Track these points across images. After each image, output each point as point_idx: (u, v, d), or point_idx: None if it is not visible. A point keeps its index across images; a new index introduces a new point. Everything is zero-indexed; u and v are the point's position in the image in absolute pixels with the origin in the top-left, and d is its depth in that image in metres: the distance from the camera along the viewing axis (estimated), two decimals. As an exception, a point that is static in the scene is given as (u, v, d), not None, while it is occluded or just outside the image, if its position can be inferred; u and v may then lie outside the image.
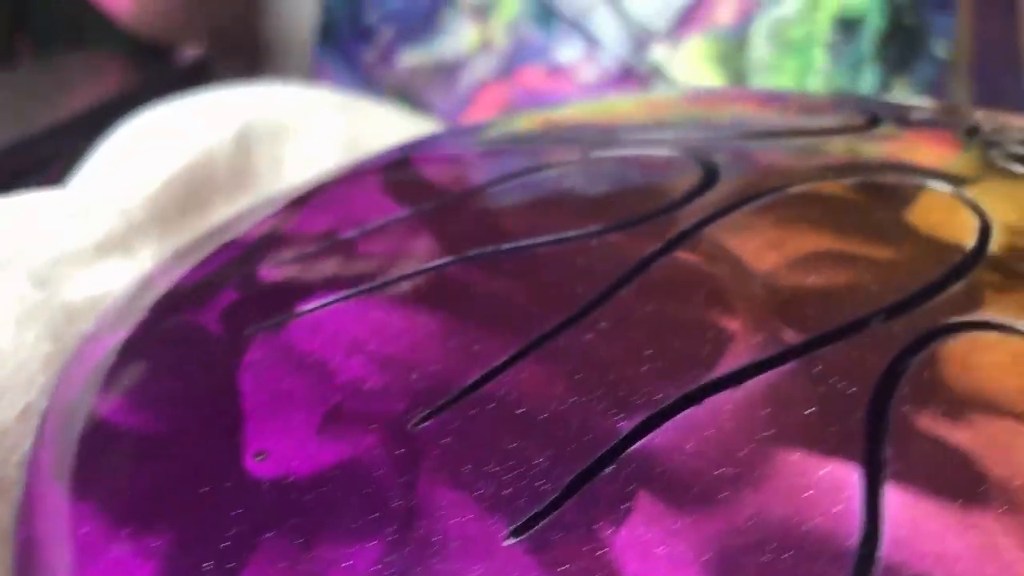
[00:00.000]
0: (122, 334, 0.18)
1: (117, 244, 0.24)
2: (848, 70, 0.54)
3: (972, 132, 0.19)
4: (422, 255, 0.16)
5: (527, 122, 0.22)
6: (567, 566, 0.11)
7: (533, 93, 0.53)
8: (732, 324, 0.13)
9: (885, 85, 0.55)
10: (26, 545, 0.14)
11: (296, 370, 0.15)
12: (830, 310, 0.13)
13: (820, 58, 0.53)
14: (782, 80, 0.52)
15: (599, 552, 0.11)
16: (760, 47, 0.52)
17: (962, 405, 0.12)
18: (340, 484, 0.13)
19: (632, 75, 0.52)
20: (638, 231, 0.15)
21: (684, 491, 0.11)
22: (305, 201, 0.20)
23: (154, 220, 0.25)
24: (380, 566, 0.12)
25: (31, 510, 0.15)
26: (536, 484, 0.12)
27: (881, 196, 0.16)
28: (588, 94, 0.52)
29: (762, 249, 0.15)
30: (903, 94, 0.56)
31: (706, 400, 0.12)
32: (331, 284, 0.16)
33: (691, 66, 0.52)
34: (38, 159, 0.45)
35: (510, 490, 0.12)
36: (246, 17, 0.66)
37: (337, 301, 0.16)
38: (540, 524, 0.12)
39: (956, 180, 0.17)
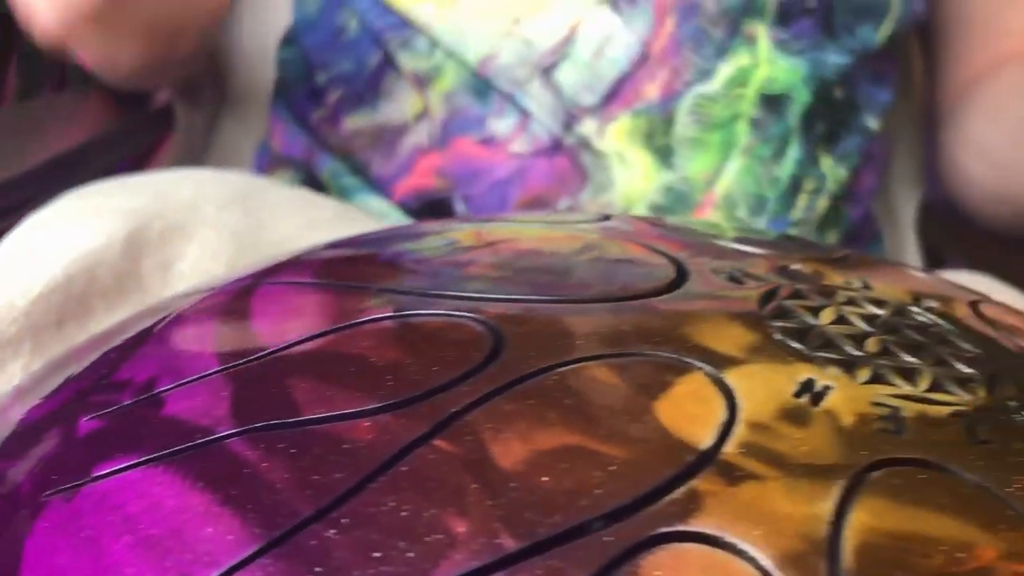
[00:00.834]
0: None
1: (-14, 359, 0.25)
2: (773, 144, 0.55)
3: (768, 297, 0.20)
4: (216, 421, 0.17)
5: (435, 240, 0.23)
6: None
7: (467, 162, 0.54)
8: (460, 527, 0.14)
9: (811, 158, 0.57)
10: None
11: (74, 546, 0.16)
12: (553, 514, 0.14)
13: (744, 133, 0.54)
14: (706, 156, 0.54)
15: None
16: (685, 123, 0.54)
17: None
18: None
19: (561, 147, 0.53)
20: (409, 412, 0.16)
21: None
22: (144, 339, 0.21)
23: (26, 333, 0.26)
24: None
25: None
26: None
27: (642, 380, 0.17)
28: (519, 164, 0.54)
29: (512, 441, 0.16)
30: (828, 166, 0.58)
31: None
32: (129, 447, 0.17)
33: (618, 140, 0.53)
34: (16, 201, 0.47)
35: None
36: (210, 72, 0.68)
37: (128, 468, 0.17)
38: None
39: (723, 361, 0.17)
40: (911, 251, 0.76)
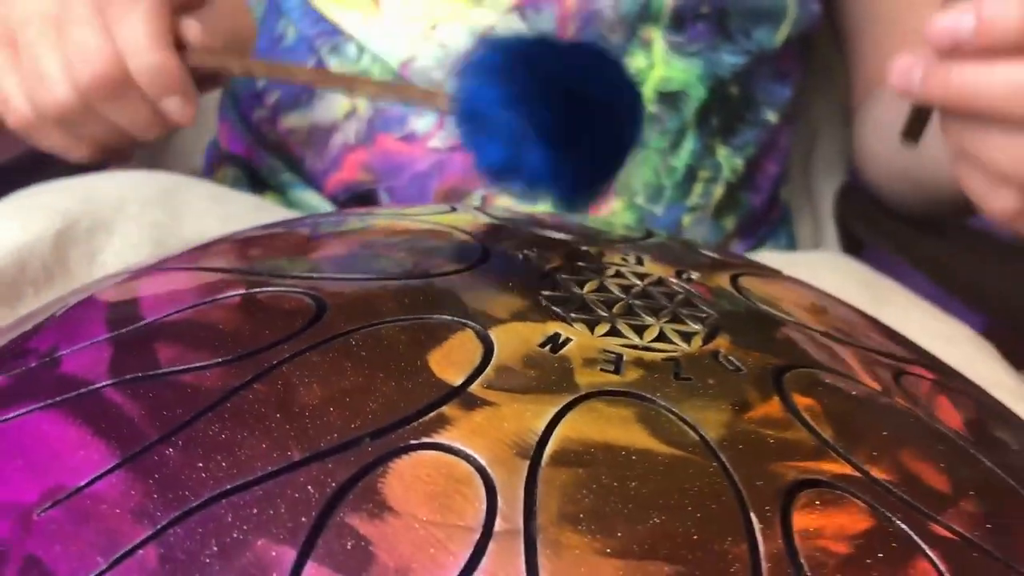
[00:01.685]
0: None
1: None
2: (669, 137, 0.60)
3: (547, 276, 0.25)
4: (97, 375, 0.22)
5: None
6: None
7: (390, 157, 0.59)
8: (263, 444, 0.19)
9: (706, 149, 0.61)
10: None
11: (-19, 469, 0.21)
12: (333, 433, 0.19)
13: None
14: (608, 149, 0.59)
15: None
16: (587, 120, 0.58)
17: (382, 507, 0.18)
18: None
19: (474, 143, 0.58)
20: (240, 365, 0.21)
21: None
22: (51, 318, 0.26)
23: (-38, 315, 0.31)
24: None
25: None
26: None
27: (422, 337, 0.22)
28: (437, 158, 0.58)
29: (313, 384, 0.21)
30: (724, 156, 0.62)
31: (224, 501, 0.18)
32: (28, 398, 0.22)
33: (526, 136, 0.58)
34: None
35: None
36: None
37: (26, 413, 0.22)
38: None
39: (491, 322, 0.23)
40: (830, 236, 0.80)
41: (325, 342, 0.22)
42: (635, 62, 0.59)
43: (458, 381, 0.21)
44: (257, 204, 0.46)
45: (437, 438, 0.19)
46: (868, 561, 0.18)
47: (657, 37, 0.60)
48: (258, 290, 0.24)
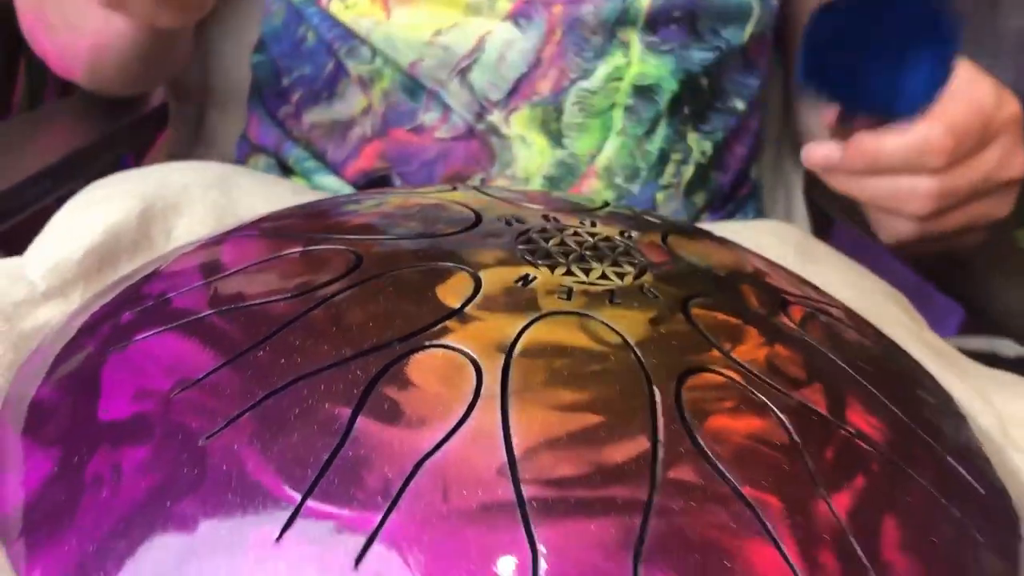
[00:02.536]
0: (51, 352, 0.33)
1: (56, 292, 0.39)
2: (645, 125, 0.68)
3: (523, 234, 0.34)
4: (199, 307, 0.31)
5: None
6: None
7: (402, 147, 0.68)
8: (323, 347, 0.29)
9: (678, 134, 0.70)
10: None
11: (124, 371, 0.30)
12: (369, 340, 0.29)
13: (619, 118, 0.68)
14: (589, 137, 0.67)
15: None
16: (571, 112, 0.67)
17: (406, 383, 0.27)
18: (136, 422, 0.28)
19: (475, 133, 0.67)
20: (302, 298, 0.31)
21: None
22: (156, 273, 0.35)
23: (79, 277, 0.40)
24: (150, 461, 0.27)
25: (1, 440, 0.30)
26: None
27: (431, 278, 0.31)
28: (443, 147, 0.67)
29: (355, 309, 0.30)
30: (694, 140, 0.71)
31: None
32: (151, 324, 0.32)
33: (519, 126, 0.67)
34: (31, 198, 0.61)
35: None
36: (197, 77, 0.81)
37: (154, 334, 0.31)
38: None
39: (480, 267, 0.32)
40: (800, 214, 0.89)
41: (363, 281, 0.31)
42: (614, 61, 0.67)
43: (457, 305, 0.30)
44: (293, 187, 0.55)
45: (443, 341, 0.29)
46: (732, 416, 0.28)
47: (634, 38, 0.67)
48: (312, 247, 0.33)
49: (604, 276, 0.32)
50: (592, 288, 0.32)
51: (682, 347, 0.30)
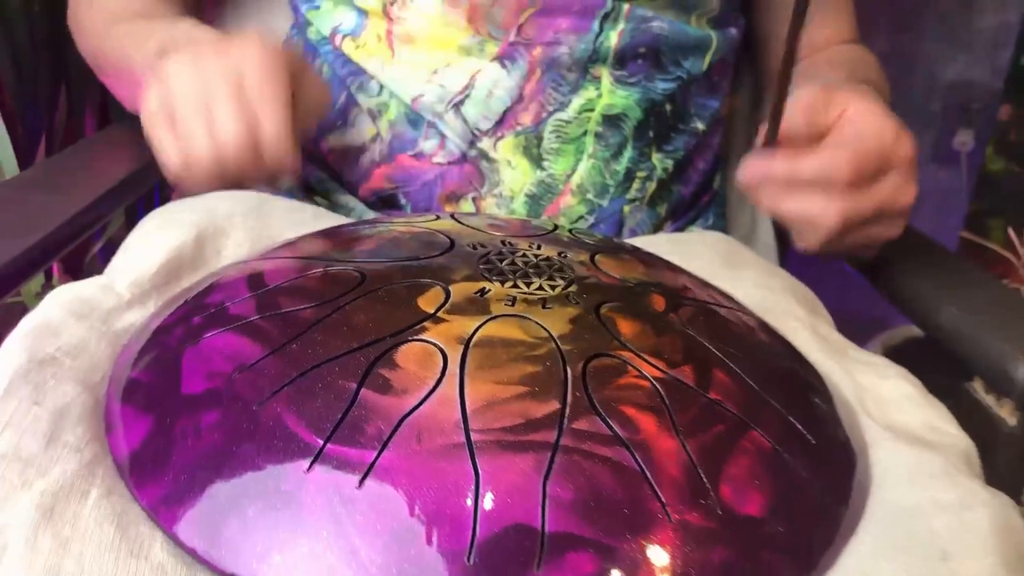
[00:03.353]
0: (138, 345, 0.46)
1: (136, 301, 0.52)
2: (612, 149, 0.80)
3: (484, 256, 0.46)
4: (248, 313, 0.44)
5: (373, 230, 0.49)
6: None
7: (406, 170, 0.80)
8: (336, 340, 0.41)
9: (642, 155, 0.82)
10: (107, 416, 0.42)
11: (201, 359, 0.42)
12: (368, 336, 0.41)
13: (591, 143, 0.79)
14: (564, 159, 0.79)
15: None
16: (550, 139, 0.79)
17: (395, 366, 0.39)
18: (209, 395, 0.40)
19: (467, 158, 0.79)
20: (323, 305, 0.43)
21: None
22: (213, 287, 0.48)
23: (153, 288, 0.52)
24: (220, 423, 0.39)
25: (108, 409, 0.42)
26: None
27: (415, 291, 0.43)
28: (440, 170, 0.79)
29: (359, 312, 0.42)
30: (657, 159, 0.82)
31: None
32: (215, 326, 0.44)
33: (506, 152, 0.79)
34: (89, 223, 0.73)
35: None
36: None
37: (217, 333, 0.43)
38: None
39: (451, 282, 0.44)
40: (765, 225, 0.99)
41: (366, 293, 0.43)
42: (587, 94, 0.78)
43: (432, 311, 0.42)
44: (315, 212, 0.67)
45: (421, 336, 0.41)
46: (620, 388, 0.40)
47: (604, 73, 0.78)
48: (330, 268, 0.46)
49: (540, 288, 0.45)
50: (530, 297, 0.44)
51: (591, 339, 0.42)
